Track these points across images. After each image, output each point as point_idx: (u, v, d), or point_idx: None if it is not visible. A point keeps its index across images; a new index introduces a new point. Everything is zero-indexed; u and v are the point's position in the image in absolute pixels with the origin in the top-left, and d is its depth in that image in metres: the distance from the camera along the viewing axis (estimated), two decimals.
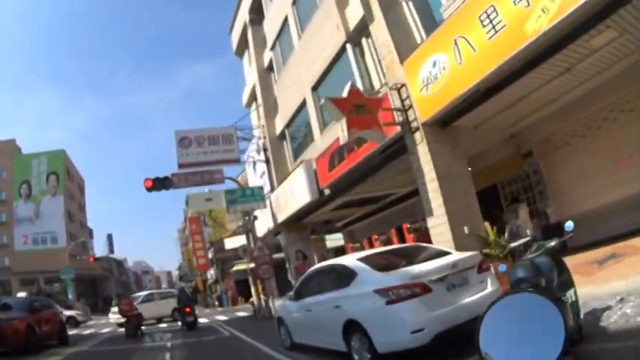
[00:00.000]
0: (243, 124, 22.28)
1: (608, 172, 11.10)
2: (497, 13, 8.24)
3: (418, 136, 10.65)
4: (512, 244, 9.72)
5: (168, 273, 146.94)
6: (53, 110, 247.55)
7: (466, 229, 10.02)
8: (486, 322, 2.42)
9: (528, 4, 7.63)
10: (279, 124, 20.72)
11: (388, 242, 12.89)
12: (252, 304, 20.72)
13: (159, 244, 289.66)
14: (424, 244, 8.68)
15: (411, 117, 10.85)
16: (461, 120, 10.49)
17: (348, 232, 23.15)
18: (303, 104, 17.62)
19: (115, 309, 25.11)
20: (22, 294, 45.95)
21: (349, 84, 10.74)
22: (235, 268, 40.60)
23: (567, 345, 2.02)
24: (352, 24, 13.99)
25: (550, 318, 2.06)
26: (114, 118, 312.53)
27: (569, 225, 4.91)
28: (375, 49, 13.54)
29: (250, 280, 19.93)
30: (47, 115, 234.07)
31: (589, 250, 9.92)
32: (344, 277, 7.08)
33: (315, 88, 16.77)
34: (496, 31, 8.31)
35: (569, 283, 4.98)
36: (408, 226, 11.87)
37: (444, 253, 7.05)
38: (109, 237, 73.01)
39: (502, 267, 5.59)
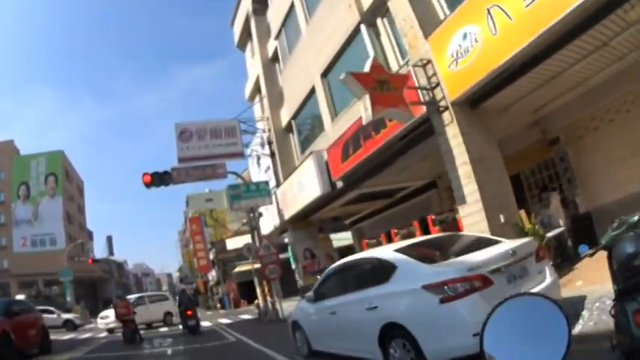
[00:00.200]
0: (246, 116, 20.99)
1: None
2: None
3: (447, 115, 9.61)
4: (548, 235, 9.10)
5: (169, 275, 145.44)
6: (52, 113, 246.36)
7: (502, 218, 9.04)
8: (491, 323, 2.20)
9: None
10: (285, 115, 19.45)
11: (410, 237, 11.60)
12: (258, 306, 19.40)
13: (159, 247, 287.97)
14: (466, 233, 7.50)
15: (439, 96, 9.82)
16: (491, 100, 9.54)
17: (356, 229, 21.88)
18: (312, 92, 16.38)
19: (105, 313, 23.69)
20: (20, 296, 44.93)
21: (371, 58, 9.58)
22: (237, 269, 39.35)
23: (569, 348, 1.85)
24: (366, 4, 12.91)
25: (554, 321, 1.94)
26: (114, 120, 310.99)
27: (582, 248, 4.33)
28: (392, 29, 12.61)
29: (255, 281, 18.57)
30: (46, 118, 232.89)
31: None
32: (380, 272, 5.89)
33: (324, 75, 15.56)
34: None
35: None
36: (434, 217, 10.66)
37: (494, 242, 6.07)
38: (109, 239, 72.23)
39: (583, 247, 4.42)
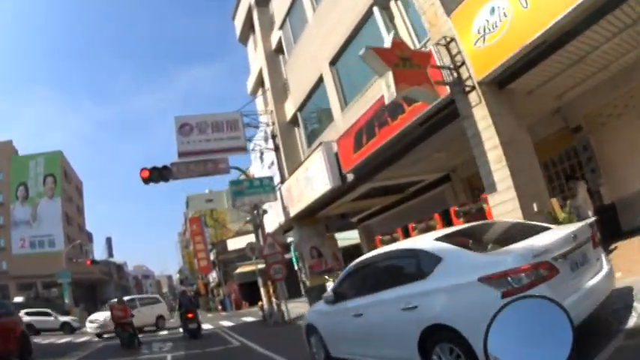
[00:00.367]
0: (249, 109, 20.01)
1: None
2: None
3: (474, 96, 8.78)
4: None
5: (169, 277, 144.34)
6: (51, 113, 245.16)
7: (535, 207, 8.26)
8: (495, 325, 2.09)
9: None
10: (290, 108, 18.48)
11: (429, 230, 10.65)
12: (262, 308, 18.42)
13: (160, 248, 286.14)
14: (508, 220, 6.59)
15: (464, 76, 8.97)
16: (518, 81, 8.84)
17: (364, 227, 20.91)
18: (320, 81, 15.43)
19: (94, 316, 22.36)
20: (19, 298, 44.02)
21: (391, 35, 8.69)
22: (239, 270, 38.42)
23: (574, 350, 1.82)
24: None
25: (558, 322, 1.91)
26: (113, 120, 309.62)
27: None
28: (407, 10, 11.80)
29: (259, 281, 17.54)
30: (46, 118, 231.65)
31: None
32: (419, 265, 5.03)
33: (333, 62, 14.63)
34: None
35: None
36: (457, 208, 9.75)
37: (544, 228, 5.30)
38: (108, 240, 71.28)
39: None
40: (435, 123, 10.21)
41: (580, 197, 10.30)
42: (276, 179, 18.60)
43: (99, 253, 73.94)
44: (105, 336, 20.25)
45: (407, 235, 11.38)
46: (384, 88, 8.18)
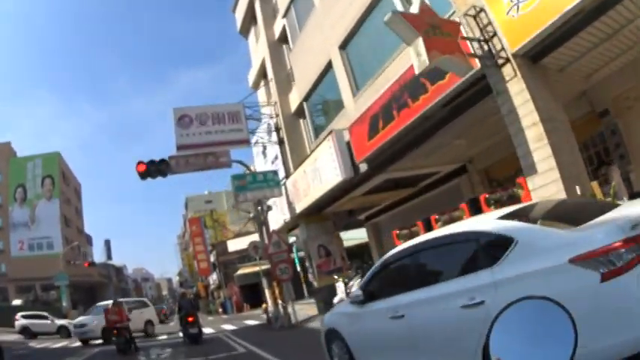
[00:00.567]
0: (250, 101, 18.84)
1: None
2: None
3: (509, 70, 7.87)
4: None
5: (169, 280, 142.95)
6: (51, 116, 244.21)
7: (578, 190, 7.39)
8: (497, 327, 2.26)
9: None
10: (295, 98, 17.36)
11: (453, 222, 9.52)
12: (266, 310, 17.23)
13: (159, 251, 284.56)
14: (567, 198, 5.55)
15: (496, 48, 8.04)
16: (552, 56, 7.96)
17: (372, 225, 19.73)
18: (328, 68, 14.35)
19: (80, 320, 20.80)
20: (17, 302, 42.99)
21: (418, 1, 7.60)
22: (240, 272, 37.32)
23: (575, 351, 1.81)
24: None
25: (559, 323, 1.93)
26: (112, 123, 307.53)
27: None
28: None
29: (264, 282, 16.33)
30: (45, 121, 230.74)
31: None
32: (482, 250, 4.02)
33: (343, 46, 13.56)
34: None
35: None
36: (487, 196, 8.67)
37: (611, 205, 4.47)
38: (107, 243, 69.99)
39: None
40: (460, 103, 9.31)
41: (614, 183, 9.41)
42: (281, 174, 17.44)
43: (98, 256, 72.82)
44: (92, 342, 18.75)
45: (429, 227, 10.21)
46: (413, 57, 7.18)
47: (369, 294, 5.44)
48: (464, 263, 4.15)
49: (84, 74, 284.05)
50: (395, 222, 18.31)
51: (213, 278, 45.98)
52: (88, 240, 74.23)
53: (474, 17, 8.32)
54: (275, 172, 16.76)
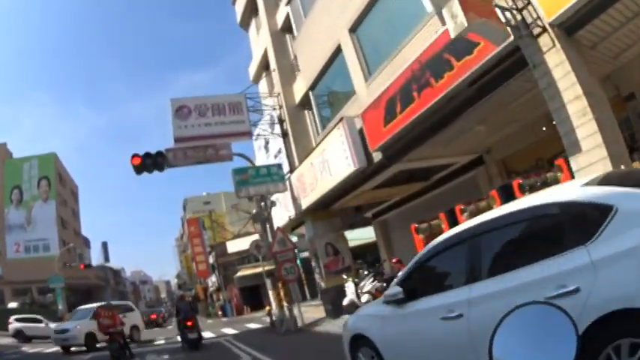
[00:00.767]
0: (251, 91, 17.76)
1: None
2: None
3: (545, 40, 7.20)
4: None
5: (167, 282, 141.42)
6: (48, 120, 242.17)
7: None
8: (500, 331, 2.05)
9: None
10: (300, 88, 16.26)
11: (480, 213, 8.46)
12: (269, 313, 16.07)
13: (158, 254, 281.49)
14: None
15: (530, 18, 7.35)
16: (586, 29, 7.27)
17: (379, 223, 18.65)
18: (337, 53, 13.28)
19: (59, 325, 19.39)
20: (13, 304, 41.78)
21: None
22: (240, 273, 36.21)
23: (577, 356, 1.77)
24: None
25: (562, 328, 1.85)
26: (109, 127, 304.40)
27: None
28: None
29: (267, 283, 15.16)
30: (42, 125, 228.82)
31: None
32: (570, 226, 3.18)
33: (353, 29, 12.48)
34: None
35: None
36: (521, 181, 7.68)
37: None
38: (104, 245, 68.74)
39: None
40: (488, 82, 8.39)
41: None
42: (285, 169, 16.32)
43: (96, 258, 71.43)
44: (73, 349, 17.11)
45: (453, 219, 9.14)
46: (448, 20, 6.44)
47: (410, 291, 4.34)
48: (547, 243, 3.21)
49: (81, 77, 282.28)
50: (404, 219, 17.25)
51: (213, 280, 44.78)
52: (86, 242, 72.79)
53: None
54: (279, 166, 15.65)
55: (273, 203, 15.62)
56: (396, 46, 10.64)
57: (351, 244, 21.61)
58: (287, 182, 15.45)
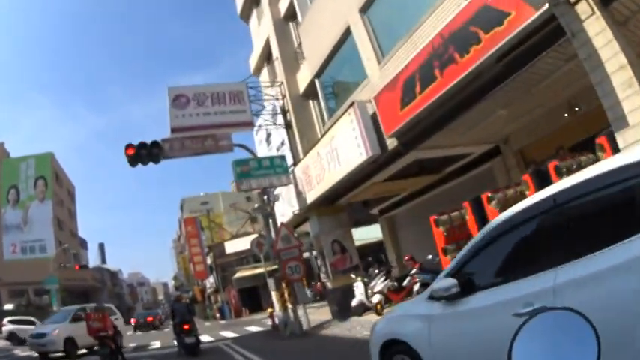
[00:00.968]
0: (252, 81, 16.71)
1: None
2: None
3: (584, 7, 6.39)
4: None
5: (165, 284, 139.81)
6: (47, 122, 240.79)
7: None
8: (519, 339, 1.90)
9: None
10: (305, 76, 15.22)
11: (509, 202, 7.52)
12: (271, 315, 14.98)
13: (156, 256, 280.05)
14: None
15: None
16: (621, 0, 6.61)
17: (386, 219, 17.63)
18: (346, 36, 12.25)
19: (35, 328, 17.87)
20: (9, 306, 40.75)
21: None
22: (238, 274, 35.09)
23: None
24: None
25: (583, 335, 1.75)
26: (108, 129, 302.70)
27: None
28: None
29: (270, 283, 14.06)
30: (40, 127, 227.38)
31: None
32: None
33: (364, 10, 11.44)
34: None
35: None
36: (557, 164, 6.73)
37: None
38: (101, 246, 67.53)
39: None
40: (518, 57, 7.56)
41: None
42: (288, 162, 15.26)
43: (93, 260, 70.11)
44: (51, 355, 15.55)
45: (479, 208, 8.13)
46: None
47: (466, 284, 3.34)
48: None
49: (80, 78, 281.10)
50: (413, 216, 16.28)
51: (210, 281, 43.57)
52: (83, 244, 71.48)
53: None
54: (282, 157, 14.58)
55: (276, 197, 14.57)
56: (413, 23, 9.66)
57: (359, 243, 20.66)
58: (291, 175, 14.42)
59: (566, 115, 10.29)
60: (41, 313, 31.91)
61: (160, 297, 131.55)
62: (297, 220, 15.90)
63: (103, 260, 67.84)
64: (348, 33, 12.12)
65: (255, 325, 19.74)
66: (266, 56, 18.96)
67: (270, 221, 14.16)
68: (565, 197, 2.84)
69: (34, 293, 51.88)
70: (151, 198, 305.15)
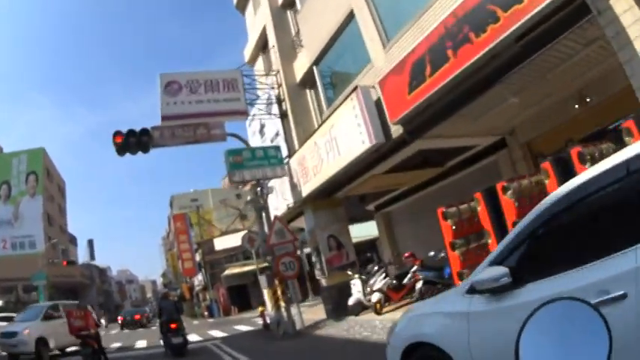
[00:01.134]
0: (246, 72, 15.91)
1: None
2: None
3: None
4: None
5: (153, 282, 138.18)
6: (43, 120, 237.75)
7: None
8: (527, 331, 1.75)
9: None
10: (302, 65, 14.45)
11: (524, 192, 6.83)
12: (262, 314, 14.17)
13: (144, 253, 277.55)
14: None
15: None
16: None
17: (382, 215, 16.88)
18: (349, 20, 11.48)
19: (5, 327, 15.59)
20: None
21: None
22: (227, 272, 34.16)
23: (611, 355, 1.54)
24: None
25: (593, 326, 1.61)
26: (102, 127, 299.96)
27: None
28: None
29: (262, 281, 13.23)
30: (36, 126, 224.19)
31: None
32: None
33: None
34: None
35: None
36: (580, 150, 6.06)
37: None
38: (90, 243, 65.82)
39: None
40: (537, 37, 6.96)
41: None
42: (283, 153, 14.47)
43: (82, 257, 68.59)
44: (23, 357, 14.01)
45: (492, 198, 7.43)
46: None
47: (518, 273, 2.64)
48: None
49: (77, 76, 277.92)
50: (410, 212, 15.60)
51: (199, 279, 42.54)
52: (72, 240, 69.95)
53: None
54: (277, 148, 13.81)
55: (270, 189, 13.77)
56: (420, 7, 8.97)
57: (358, 240, 19.90)
58: (286, 167, 13.63)
59: (577, 106, 9.70)
60: None
61: (149, 295, 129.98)
62: (291, 215, 15.10)
63: (92, 257, 66.17)
64: (350, 17, 11.36)
65: (245, 324, 18.89)
66: (261, 46, 18.16)
67: (264, 215, 13.34)
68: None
69: (23, 290, 50.32)
70: (141, 195, 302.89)
